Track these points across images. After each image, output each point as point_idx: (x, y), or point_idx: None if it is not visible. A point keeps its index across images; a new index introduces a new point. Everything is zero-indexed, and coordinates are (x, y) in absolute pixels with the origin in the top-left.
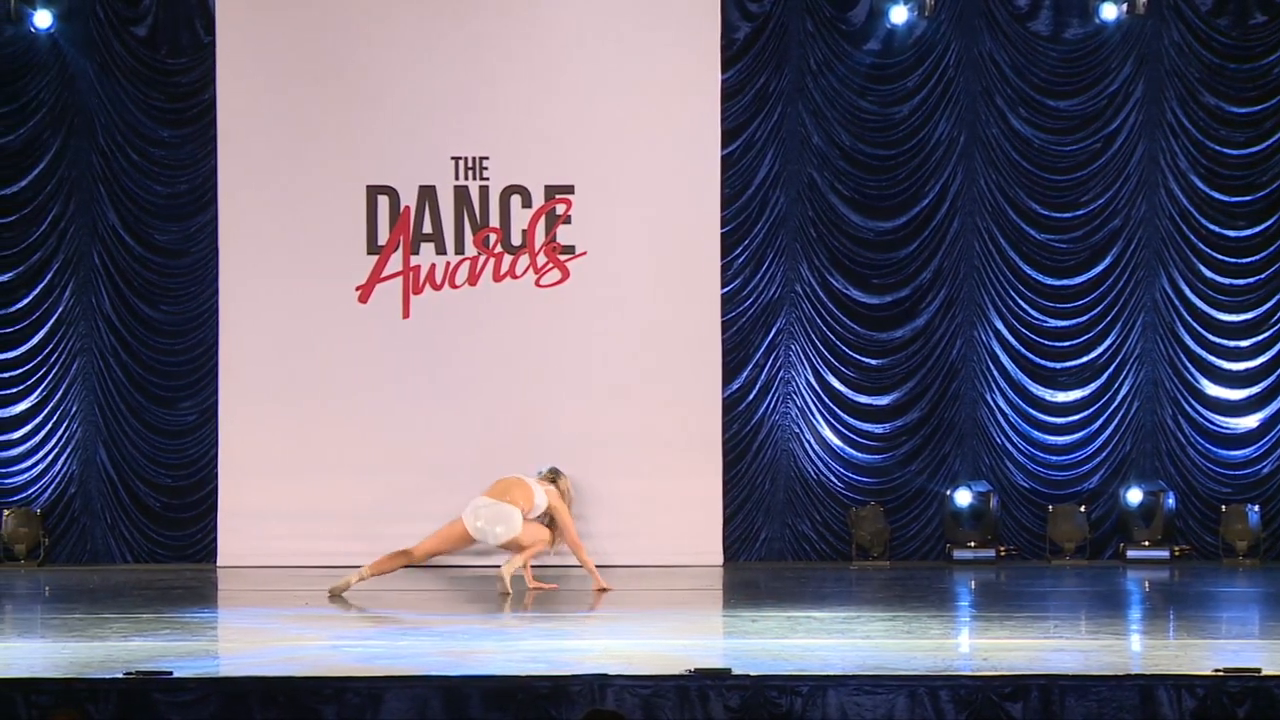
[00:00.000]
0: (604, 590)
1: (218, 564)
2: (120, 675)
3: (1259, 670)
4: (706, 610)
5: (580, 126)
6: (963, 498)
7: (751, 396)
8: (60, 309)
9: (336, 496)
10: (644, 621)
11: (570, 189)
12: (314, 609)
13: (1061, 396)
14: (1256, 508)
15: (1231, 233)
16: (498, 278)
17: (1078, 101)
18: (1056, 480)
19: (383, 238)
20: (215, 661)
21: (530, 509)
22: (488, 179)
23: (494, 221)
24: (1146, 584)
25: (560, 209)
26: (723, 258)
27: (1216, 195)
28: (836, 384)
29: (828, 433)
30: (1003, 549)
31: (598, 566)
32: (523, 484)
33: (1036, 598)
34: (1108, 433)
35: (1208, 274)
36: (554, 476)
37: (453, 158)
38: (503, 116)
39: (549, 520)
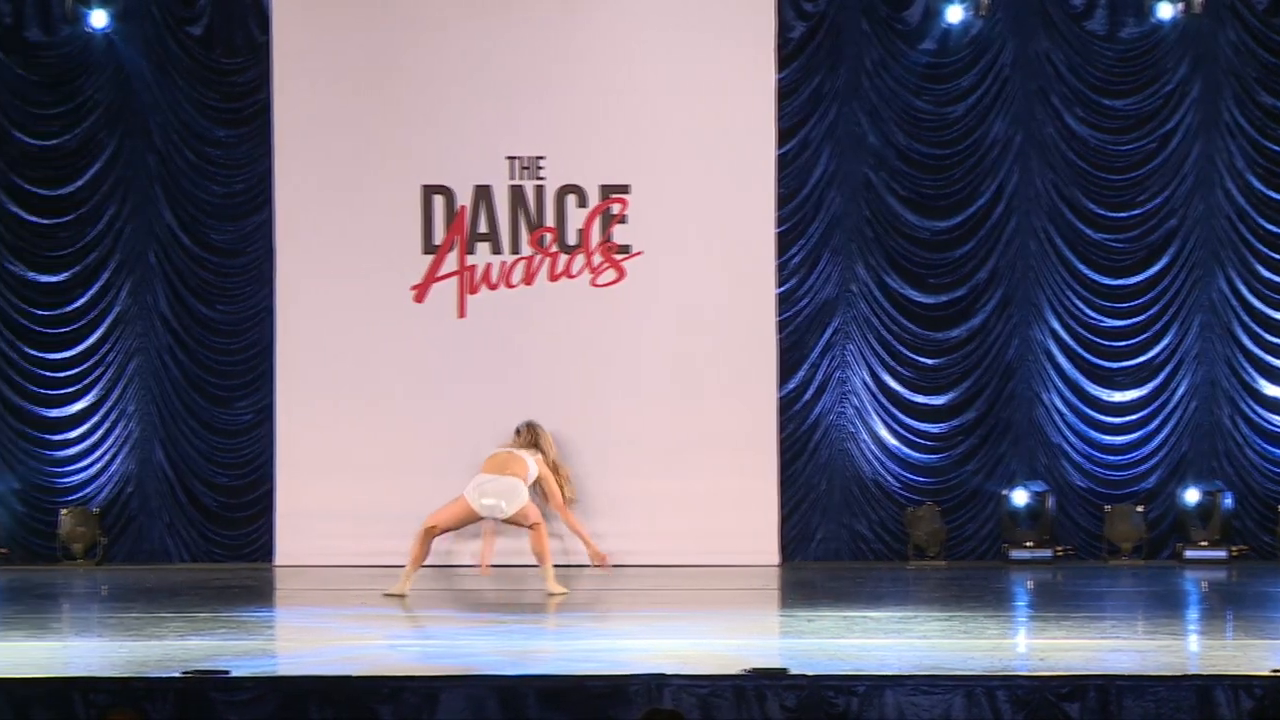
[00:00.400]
0: (603, 561)
1: (274, 563)
2: (177, 674)
3: None
4: (763, 610)
5: (636, 126)
6: (1019, 497)
7: (808, 396)
8: (117, 308)
9: (393, 495)
10: (701, 621)
11: (626, 188)
12: (371, 608)
13: (1118, 396)
14: None
15: None
16: (553, 277)
17: (1134, 101)
18: (1113, 480)
19: (438, 237)
20: (272, 661)
21: (527, 479)
22: (543, 178)
23: (549, 221)
24: (1204, 584)
25: (616, 208)
26: (778, 257)
27: (1273, 194)
28: (893, 383)
29: (884, 432)
30: (1059, 549)
31: (653, 567)
32: (515, 457)
33: (1093, 598)
34: (1165, 432)
35: (1265, 273)
36: (535, 436)
37: (508, 157)
38: (558, 116)
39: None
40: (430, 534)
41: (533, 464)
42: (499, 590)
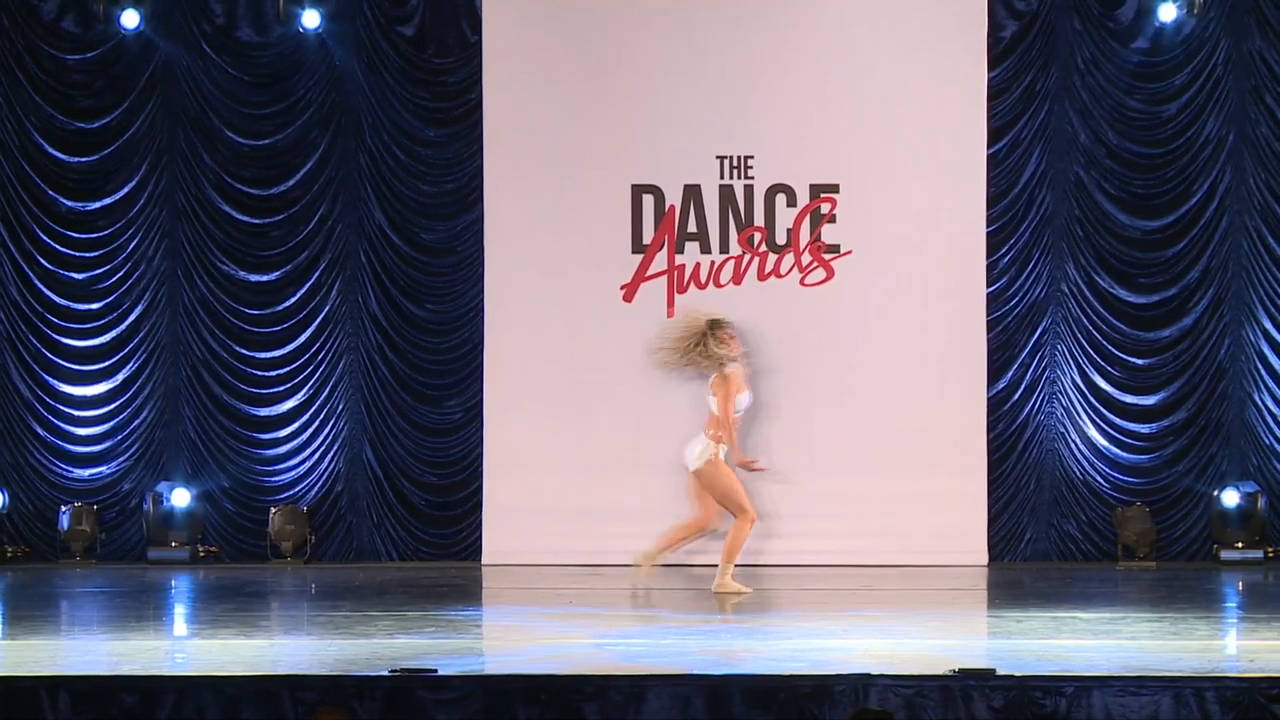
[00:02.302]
0: (754, 464)
1: (482, 562)
2: (385, 673)
3: None
4: (971, 610)
5: (845, 125)
6: (1230, 498)
7: (1017, 396)
8: (327, 308)
9: (601, 494)
10: (908, 621)
11: (835, 188)
12: (577, 607)
13: None
14: None
15: None
16: (762, 277)
17: None
18: None
19: (648, 236)
20: (480, 659)
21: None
22: (753, 178)
23: (759, 220)
24: None
25: (825, 208)
26: (988, 257)
27: None
28: (1102, 383)
29: (1093, 432)
30: (1271, 550)
31: (862, 567)
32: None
33: None
34: None
35: None
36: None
37: (718, 157)
38: (768, 115)
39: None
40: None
41: (711, 400)
42: (704, 590)
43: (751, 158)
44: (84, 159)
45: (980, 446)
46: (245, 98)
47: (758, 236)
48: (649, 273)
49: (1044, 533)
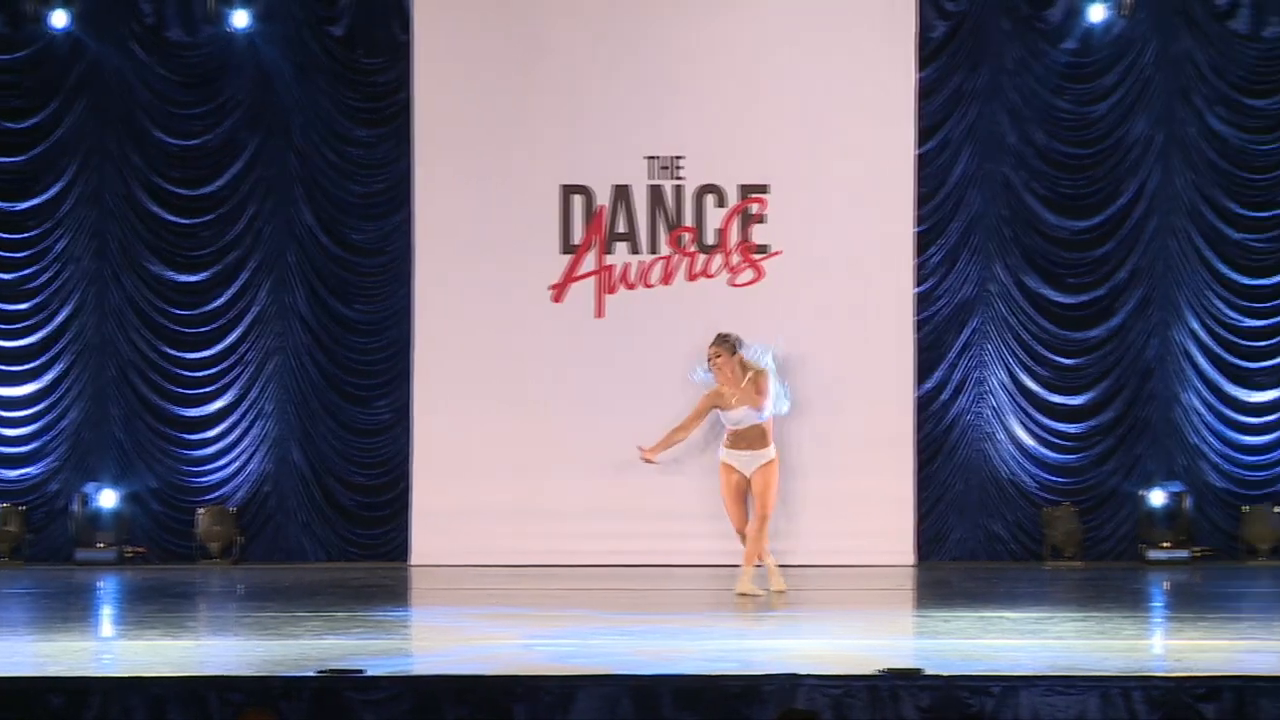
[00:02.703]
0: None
1: (410, 562)
2: (313, 674)
3: None
4: (898, 610)
5: (775, 125)
6: (1157, 498)
7: (945, 396)
8: (256, 308)
9: (530, 495)
10: (836, 621)
11: (765, 188)
12: (506, 607)
13: (1257, 396)
14: None
15: None
16: (691, 277)
17: (1276, 100)
18: (1251, 480)
19: (577, 237)
20: (408, 660)
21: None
22: (682, 178)
23: (688, 221)
24: None
25: (755, 208)
26: (917, 257)
27: None
28: (1030, 383)
29: (1021, 432)
30: (1197, 549)
31: (789, 567)
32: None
33: (1230, 598)
34: None
35: None
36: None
37: (647, 157)
38: (697, 116)
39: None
40: (761, 522)
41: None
42: (633, 590)
43: (681, 158)
44: (12, 159)
45: (908, 446)
46: (174, 98)
47: (687, 237)
48: (578, 273)
49: (971, 532)
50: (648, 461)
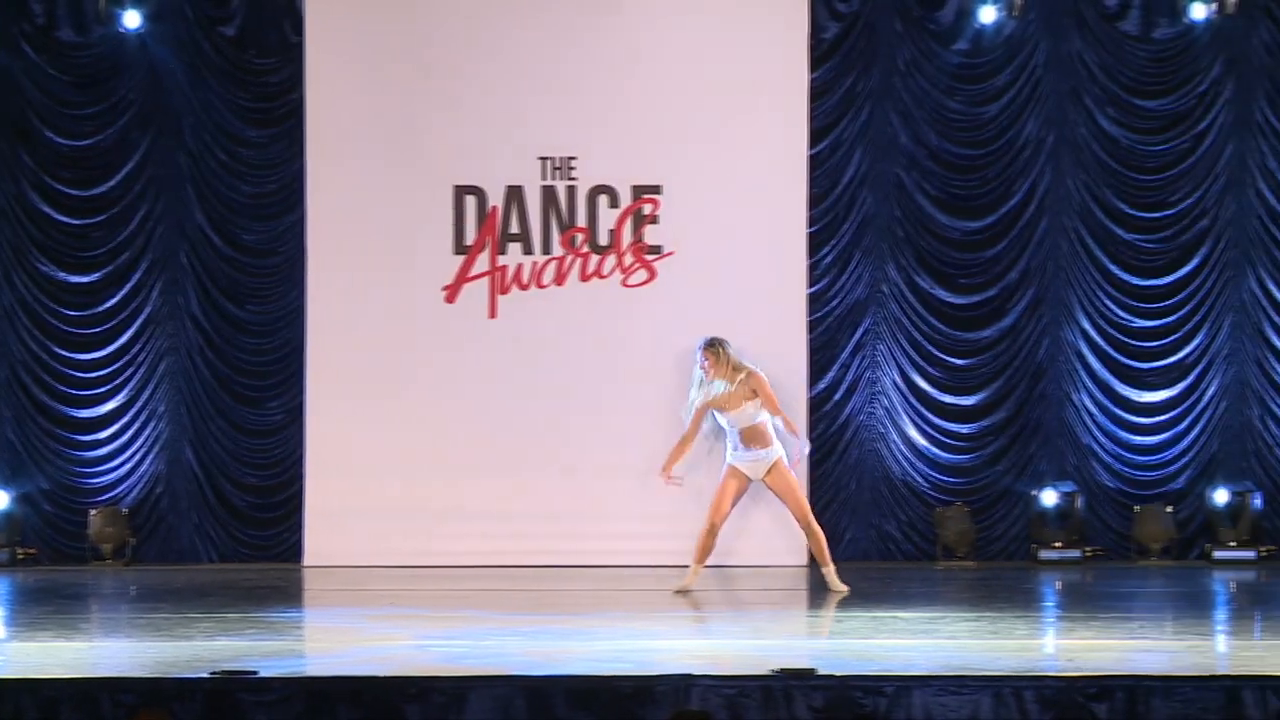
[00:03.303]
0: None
1: (303, 563)
2: (206, 675)
3: None
4: (791, 610)
5: (668, 126)
6: (1049, 498)
7: (838, 396)
8: (148, 309)
9: (423, 496)
10: (729, 621)
11: (657, 189)
12: (399, 608)
13: (1148, 396)
14: None
15: None
16: (584, 278)
17: (1166, 101)
18: (1143, 480)
19: (470, 238)
20: (301, 661)
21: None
22: (575, 179)
23: (581, 221)
24: (1232, 584)
25: (647, 209)
26: (809, 257)
27: None
28: (923, 384)
29: (914, 433)
30: (1088, 549)
31: (683, 567)
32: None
33: (1122, 598)
34: (1194, 433)
35: None
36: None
37: (540, 158)
38: (590, 116)
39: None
40: (714, 532)
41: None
42: (527, 591)
43: (574, 159)
44: None
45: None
46: (65, 98)
47: (580, 237)
48: (471, 274)
49: (864, 532)
50: (671, 481)
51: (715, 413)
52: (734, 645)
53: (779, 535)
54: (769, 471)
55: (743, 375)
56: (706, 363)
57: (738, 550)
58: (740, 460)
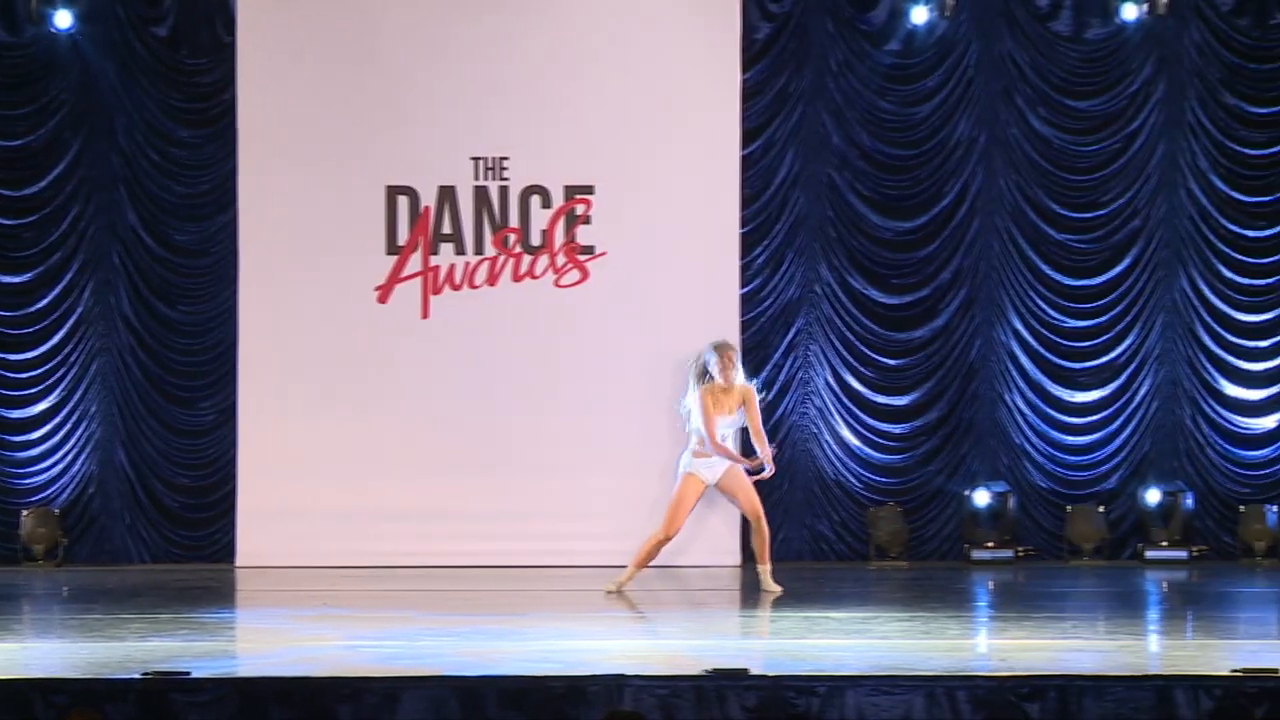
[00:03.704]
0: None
1: (236, 564)
2: (138, 676)
3: (1277, 671)
4: (724, 611)
5: (600, 127)
6: (981, 498)
7: (770, 396)
8: (80, 309)
9: (355, 496)
10: (661, 622)
11: (590, 189)
12: (332, 609)
13: (1080, 396)
14: (1275, 508)
15: (1251, 233)
16: (517, 278)
17: (1098, 101)
18: (1075, 480)
19: (402, 238)
20: (233, 662)
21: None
22: (507, 179)
23: (513, 222)
24: (1164, 584)
25: (580, 209)
26: (742, 258)
27: (1236, 195)
28: (855, 384)
29: (846, 433)
30: (1021, 549)
31: (617, 567)
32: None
33: (1054, 598)
34: (1126, 433)
35: (1227, 274)
36: (703, 371)
37: (472, 158)
38: (522, 117)
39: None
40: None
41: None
42: (460, 591)
43: (506, 159)
44: None
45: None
46: None
47: (512, 238)
48: (404, 274)
49: (797, 533)
50: (758, 472)
51: (697, 412)
52: (667, 645)
53: (713, 536)
54: (724, 474)
55: (742, 384)
56: (724, 362)
57: (671, 550)
58: (698, 467)
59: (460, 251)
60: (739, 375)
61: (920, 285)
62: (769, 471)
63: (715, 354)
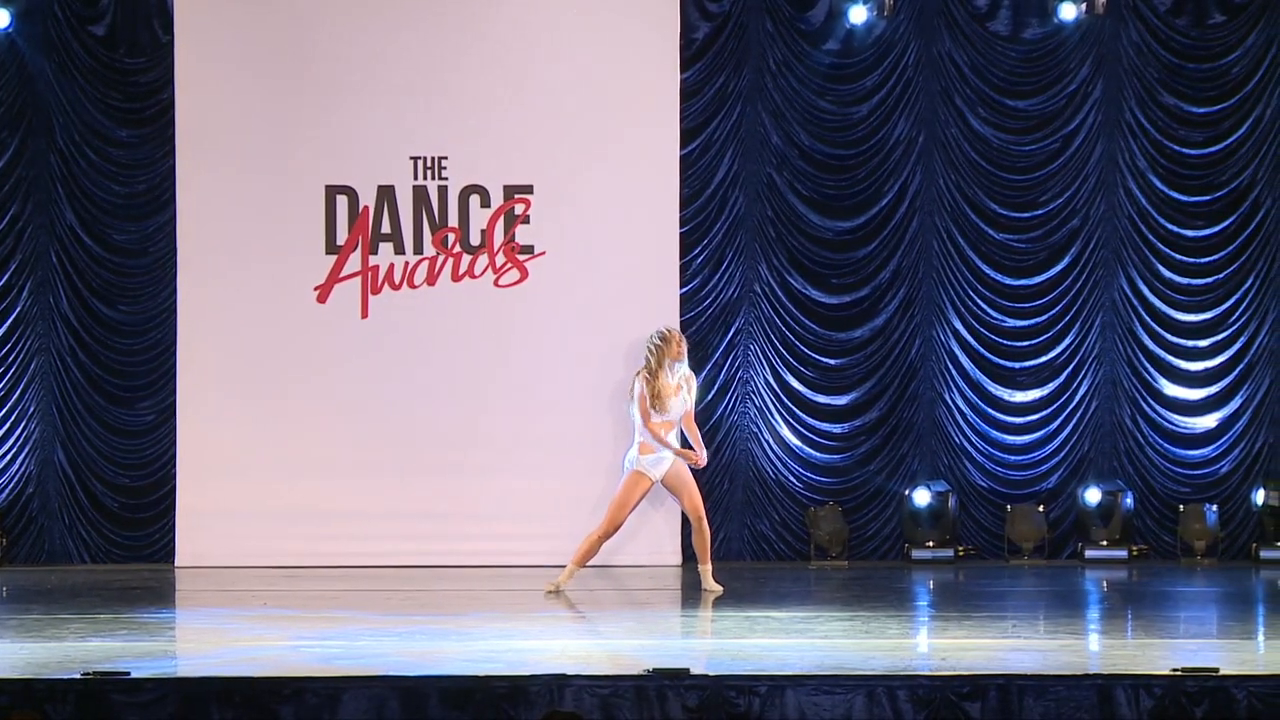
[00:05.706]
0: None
1: (176, 564)
2: (78, 676)
3: (1216, 670)
4: (664, 610)
5: (539, 126)
6: (921, 497)
7: (710, 396)
8: (18, 309)
9: (295, 496)
10: (602, 622)
11: (529, 189)
12: (273, 609)
13: (1020, 396)
14: (1214, 507)
15: (1189, 232)
16: (456, 278)
17: (1036, 101)
18: (1015, 480)
19: (341, 237)
20: (173, 662)
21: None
22: (446, 179)
23: (453, 221)
24: (1104, 584)
25: (519, 209)
26: (681, 258)
27: (1175, 195)
28: (795, 384)
29: (786, 432)
30: (961, 549)
31: (556, 567)
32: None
33: (995, 597)
34: (1066, 432)
35: (1166, 274)
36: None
37: (411, 158)
38: (461, 116)
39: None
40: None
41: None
42: (401, 591)
43: (445, 158)
44: None
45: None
46: None
47: (452, 237)
48: (343, 274)
49: (737, 532)
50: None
51: (636, 405)
52: (608, 645)
53: (654, 535)
54: (669, 471)
55: (686, 373)
56: (683, 348)
57: (612, 550)
58: (645, 464)
59: (400, 251)
60: (683, 364)
61: (860, 285)
62: (703, 460)
63: (661, 340)
